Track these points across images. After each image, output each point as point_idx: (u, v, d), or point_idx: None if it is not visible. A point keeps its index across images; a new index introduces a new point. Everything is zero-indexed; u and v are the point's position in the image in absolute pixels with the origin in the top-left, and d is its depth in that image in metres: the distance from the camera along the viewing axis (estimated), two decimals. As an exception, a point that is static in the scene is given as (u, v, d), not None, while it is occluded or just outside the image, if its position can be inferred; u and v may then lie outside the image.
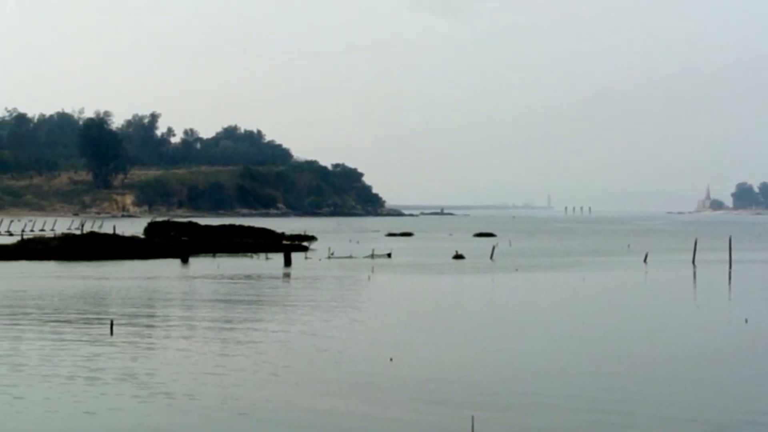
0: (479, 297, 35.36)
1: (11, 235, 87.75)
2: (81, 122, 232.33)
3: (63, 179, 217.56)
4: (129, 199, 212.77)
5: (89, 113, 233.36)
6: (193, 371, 17.80)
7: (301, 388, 16.31)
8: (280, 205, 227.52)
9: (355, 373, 17.66)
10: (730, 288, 39.75)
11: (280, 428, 13.55)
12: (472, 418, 13.47)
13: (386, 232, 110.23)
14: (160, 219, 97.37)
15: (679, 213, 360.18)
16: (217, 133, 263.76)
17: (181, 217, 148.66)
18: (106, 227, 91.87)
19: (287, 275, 45.01)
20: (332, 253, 61.28)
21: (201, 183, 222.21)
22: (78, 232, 72.90)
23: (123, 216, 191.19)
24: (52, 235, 68.60)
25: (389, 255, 61.54)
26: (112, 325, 23.89)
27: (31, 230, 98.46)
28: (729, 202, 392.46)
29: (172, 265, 51.64)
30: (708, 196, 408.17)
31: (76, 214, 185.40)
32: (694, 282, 43.35)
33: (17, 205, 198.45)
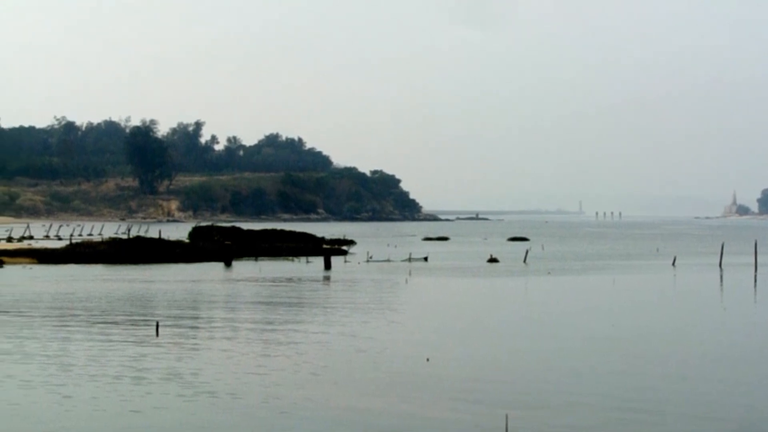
0: (513, 299, 35.58)
1: (60, 239, 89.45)
2: (127, 130, 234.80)
3: (110, 185, 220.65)
4: (174, 205, 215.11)
5: (135, 121, 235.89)
6: (235, 371, 18.26)
7: (341, 387, 16.69)
8: (321, 211, 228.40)
9: (393, 373, 18.00)
10: (755, 291, 39.61)
11: (320, 426, 13.86)
12: (506, 416, 13.75)
13: (423, 237, 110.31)
14: (204, 224, 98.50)
15: (707, 218, 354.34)
16: (260, 141, 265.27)
17: (225, 221, 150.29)
18: (152, 232, 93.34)
19: (327, 278, 45.51)
20: (371, 257, 61.82)
21: (244, 189, 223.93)
22: (125, 237, 74.06)
23: (168, 221, 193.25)
24: (100, 240, 69.94)
25: (426, 259, 61.87)
26: (157, 326, 24.42)
27: (80, 235, 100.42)
28: (755, 207, 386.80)
29: (216, 268, 52.48)
30: (734, 202, 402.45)
31: (122, 219, 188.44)
32: (721, 285, 43.16)
33: (66, 211, 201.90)
